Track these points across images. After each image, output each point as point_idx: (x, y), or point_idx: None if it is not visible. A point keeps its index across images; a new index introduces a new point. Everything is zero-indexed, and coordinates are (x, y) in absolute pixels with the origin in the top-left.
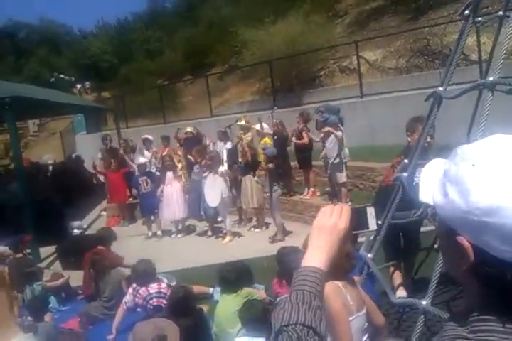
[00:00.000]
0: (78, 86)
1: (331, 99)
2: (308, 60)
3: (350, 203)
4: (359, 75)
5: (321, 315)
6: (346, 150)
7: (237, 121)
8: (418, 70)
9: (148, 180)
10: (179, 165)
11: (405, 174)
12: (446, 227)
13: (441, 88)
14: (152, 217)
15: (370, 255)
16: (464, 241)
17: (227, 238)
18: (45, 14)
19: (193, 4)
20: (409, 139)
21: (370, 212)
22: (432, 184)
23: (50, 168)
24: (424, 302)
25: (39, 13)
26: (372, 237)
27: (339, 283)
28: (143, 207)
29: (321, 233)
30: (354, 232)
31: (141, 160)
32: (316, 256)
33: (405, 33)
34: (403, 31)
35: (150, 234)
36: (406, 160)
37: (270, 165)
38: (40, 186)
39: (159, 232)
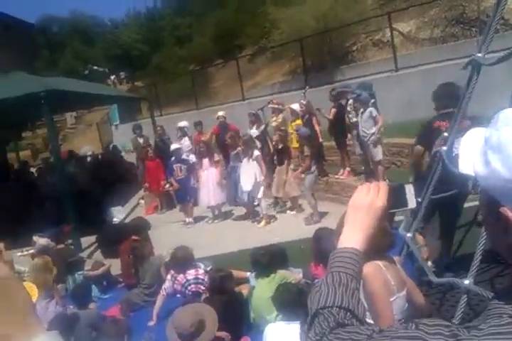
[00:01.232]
0: (112, 77)
1: (365, 75)
2: (339, 35)
3: (387, 181)
4: (393, 48)
5: (358, 297)
6: (381, 128)
7: (269, 103)
8: (454, 39)
9: (182, 167)
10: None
11: (444, 148)
12: (489, 198)
13: (479, 54)
14: (190, 203)
15: (409, 234)
16: (507, 212)
17: (263, 222)
18: (76, 7)
19: None
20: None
21: (409, 189)
22: (473, 154)
23: (89, 159)
24: (466, 282)
25: (70, 7)
26: (410, 215)
27: (380, 263)
28: (177, 194)
29: (357, 212)
30: (392, 210)
31: (174, 146)
32: (353, 237)
33: (439, 1)
34: None
35: (187, 220)
36: (445, 134)
37: (306, 150)
38: (79, 177)
39: (190, 219)
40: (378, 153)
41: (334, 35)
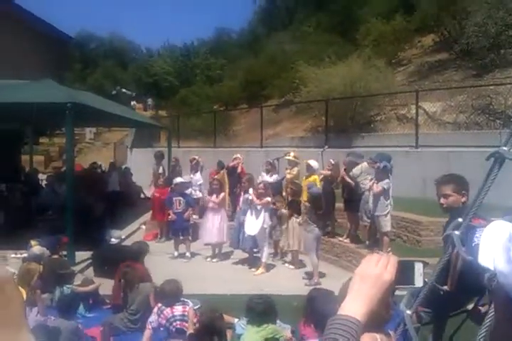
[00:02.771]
0: (132, 103)
1: (384, 146)
2: (365, 103)
3: (390, 253)
4: (416, 125)
5: None
6: (391, 200)
7: (286, 155)
8: (477, 128)
9: (182, 201)
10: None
11: (457, 232)
12: (506, 296)
13: (505, 148)
14: (181, 237)
15: (408, 311)
16: None
17: (260, 269)
18: (116, 28)
19: (258, 36)
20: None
21: (418, 267)
22: (494, 247)
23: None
24: None
25: (110, 27)
26: (414, 293)
27: (377, 336)
28: (172, 227)
29: (363, 282)
30: (397, 286)
31: (178, 179)
32: (355, 306)
33: (468, 89)
34: (467, 86)
35: (176, 253)
36: (460, 219)
37: (316, 207)
38: (86, 192)
39: (188, 254)
40: (387, 224)
41: (360, 103)
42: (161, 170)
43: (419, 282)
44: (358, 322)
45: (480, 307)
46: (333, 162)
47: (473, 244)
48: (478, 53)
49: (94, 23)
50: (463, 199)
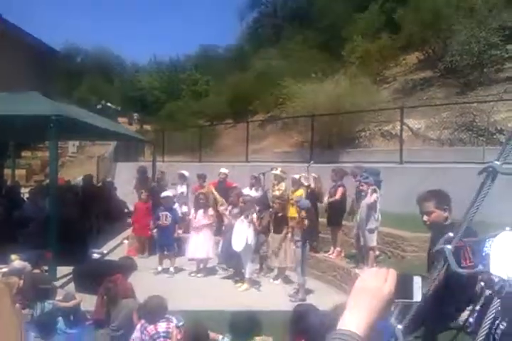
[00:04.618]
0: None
1: (369, 161)
2: (350, 119)
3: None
4: (400, 141)
5: None
6: (379, 214)
7: (272, 170)
8: (461, 144)
9: (168, 216)
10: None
11: (449, 246)
12: None
13: (497, 162)
14: (165, 253)
15: (399, 326)
16: None
17: (245, 285)
18: (102, 42)
19: (244, 52)
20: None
21: (417, 281)
22: (506, 257)
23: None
24: None
25: (96, 41)
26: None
27: None
28: (157, 241)
29: (363, 295)
30: (396, 300)
31: (166, 193)
32: (355, 320)
33: (452, 106)
34: (451, 103)
35: (159, 268)
36: (451, 234)
37: (306, 221)
38: (68, 206)
39: (172, 269)
40: (373, 239)
41: (345, 119)
42: (184, 189)
43: (417, 296)
44: (358, 336)
45: (470, 319)
46: (316, 176)
47: (483, 254)
48: (462, 71)
49: (81, 36)
50: (445, 214)
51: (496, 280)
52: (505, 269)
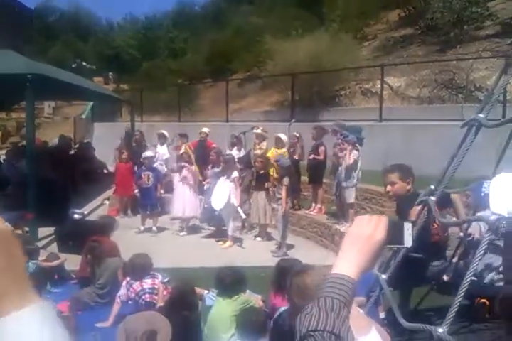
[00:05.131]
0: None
1: (349, 119)
2: (330, 78)
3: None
4: (380, 99)
5: (348, 326)
6: (359, 172)
7: (253, 129)
8: (440, 102)
9: (150, 175)
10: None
11: (433, 198)
12: None
13: (481, 115)
14: (148, 212)
15: (384, 276)
16: None
17: (228, 243)
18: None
19: (222, 9)
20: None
21: (408, 227)
22: (506, 195)
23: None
24: (440, 330)
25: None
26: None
27: (372, 324)
28: (140, 202)
29: (355, 241)
30: (386, 246)
31: (148, 153)
32: (348, 265)
33: (432, 64)
34: (430, 61)
35: (142, 228)
36: (432, 186)
37: (285, 181)
38: (46, 167)
39: (154, 228)
40: (351, 196)
41: (325, 77)
42: (164, 149)
43: (408, 242)
44: (352, 280)
45: (444, 277)
46: (296, 134)
47: (482, 194)
48: (442, 29)
49: None
50: (408, 187)
51: (490, 220)
52: (505, 206)
